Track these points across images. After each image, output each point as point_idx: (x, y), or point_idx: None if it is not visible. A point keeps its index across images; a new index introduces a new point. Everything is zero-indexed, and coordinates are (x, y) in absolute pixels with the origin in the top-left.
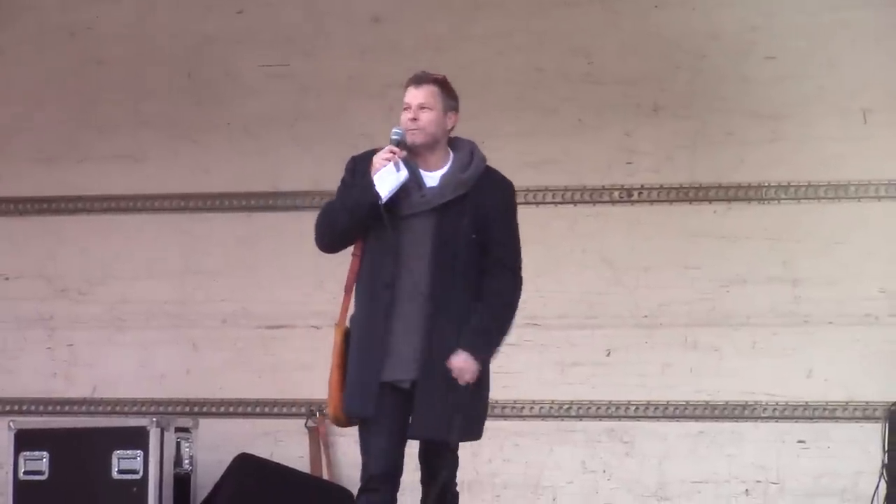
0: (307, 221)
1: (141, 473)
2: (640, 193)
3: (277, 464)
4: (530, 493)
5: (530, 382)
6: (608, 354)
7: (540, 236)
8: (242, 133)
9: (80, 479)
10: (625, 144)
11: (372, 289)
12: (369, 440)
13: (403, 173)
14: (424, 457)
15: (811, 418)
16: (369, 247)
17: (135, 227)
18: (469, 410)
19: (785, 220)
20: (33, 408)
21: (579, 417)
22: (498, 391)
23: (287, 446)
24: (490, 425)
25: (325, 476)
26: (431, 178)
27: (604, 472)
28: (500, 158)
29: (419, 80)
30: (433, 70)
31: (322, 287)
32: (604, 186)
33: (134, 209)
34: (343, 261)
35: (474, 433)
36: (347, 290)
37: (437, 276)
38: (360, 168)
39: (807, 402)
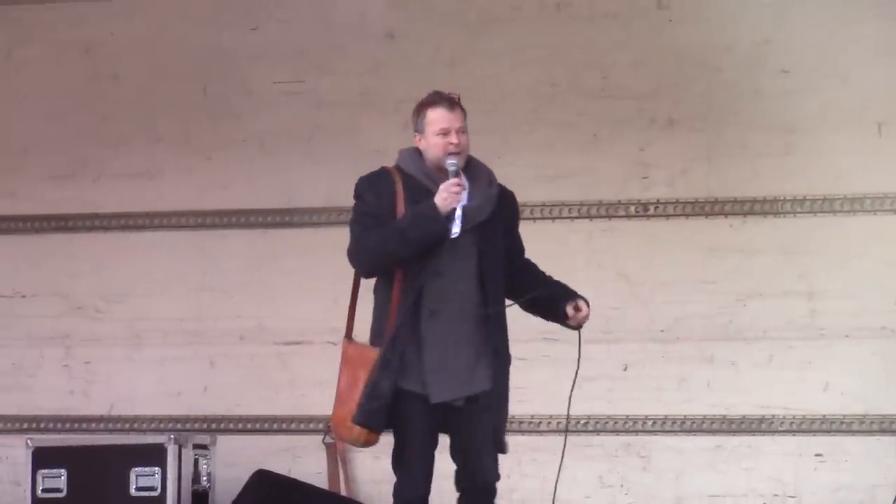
0: (322, 237)
1: (159, 490)
2: (655, 208)
3: (295, 480)
4: None
5: (547, 397)
6: (625, 369)
7: (556, 251)
8: (257, 149)
9: (98, 496)
10: (640, 159)
11: (409, 309)
12: (412, 461)
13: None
14: (465, 465)
15: (828, 432)
16: (410, 269)
17: (151, 245)
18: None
19: (800, 234)
20: (51, 425)
21: (596, 432)
22: (515, 406)
23: (305, 462)
24: (508, 440)
25: (343, 492)
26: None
27: (621, 486)
28: (515, 173)
29: (452, 102)
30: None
31: (338, 303)
32: (619, 201)
33: (150, 226)
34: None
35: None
36: (353, 307)
37: (484, 292)
38: (384, 191)
39: (824, 416)
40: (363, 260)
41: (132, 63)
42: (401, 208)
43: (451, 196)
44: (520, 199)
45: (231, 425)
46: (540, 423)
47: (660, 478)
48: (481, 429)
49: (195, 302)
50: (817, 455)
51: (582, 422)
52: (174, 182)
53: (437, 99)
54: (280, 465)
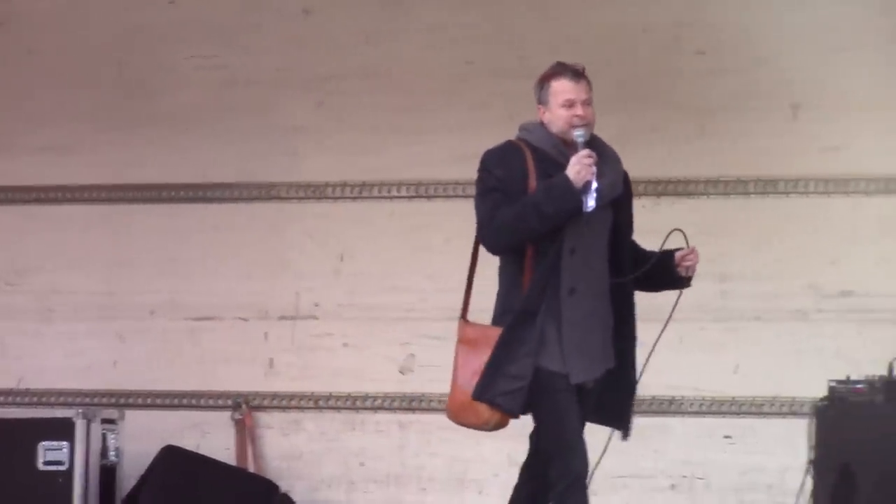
0: (236, 213)
1: (67, 465)
2: None
3: (203, 456)
4: (456, 487)
5: None
6: None
7: (469, 230)
8: (172, 125)
9: (5, 470)
10: None
11: (557, 289)
12: (575, 438)
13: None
14: (535, 458)
15: (738, 413)
16: (544, 247)
17: (63, 219)
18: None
19: (713, 216)
20: None
21: None
22: (425, 384)
23: (213, 438)
24: (417, 419)
25: (251, 468)
26: None
27: None
28: (430, 151)
29: (577, 73)
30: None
31: (250, 279)
32: None
33: (63, 200)
34: (272, 253)
35: None
36: (470, 285)
37: (617, 270)
38: (515, 165)
39: (733, 398)
40: (497, 237)
41: (47, 38)
42: (532, 183)
43: (584, 168)
44: (434, 177)
45: (140, 400)
46: None
47: None
48: (622, 404)
49: (107, 276)
50: (726, 437)
51: None
52: (88, 157)
53: (562, 70)
54: (189, 441)
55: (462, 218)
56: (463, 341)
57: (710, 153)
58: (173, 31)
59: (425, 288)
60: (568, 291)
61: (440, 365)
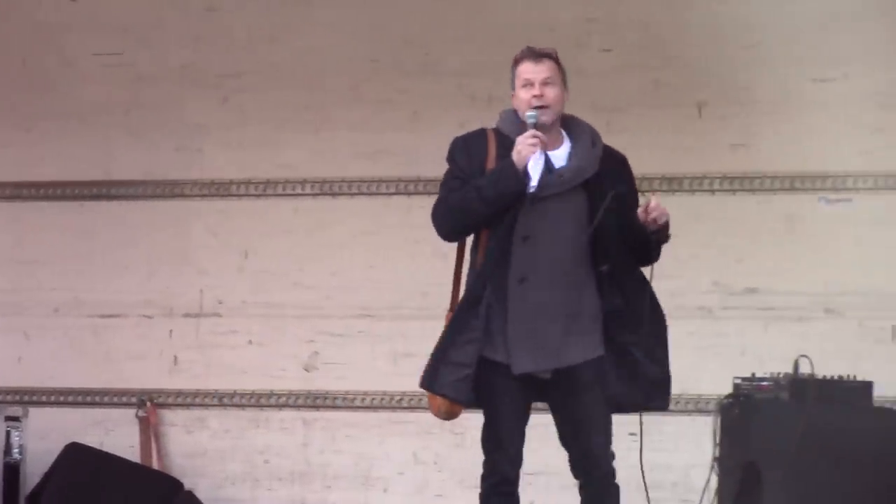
0: (140, 210)
1: None
2: None
3: (108, 453)
4: (361, 484)
5: (362, 373)
6: None
7: (373, 227)
8: (76, 122)
9: None
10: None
11: (496, 277)
12: (503, 438)
13: (541, 158)
14: (578, 449)
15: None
16: (493, 232)
17: None
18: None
19: None
20: None
21: (411, 409)
22: (329, 381)
23: (117, 436)
24: (321, 416)
25: (156, 466)
26: (557, 158)
27: (435, 463)
28: (334, 148)
29: (537, 55)
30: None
31: (154, 277)
32: (438, 178)
33: None
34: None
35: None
36: (458, 277)
37: (577, 257)
38: (475, 151)
39: None
40: (442, 222)
41: None
42: (490, 169)
43: (525, 149)
44: (337, 174)
45: (44, 397)
46: (354, 399)
47: (474, 455)
48: (586, 408)
49: (10, 273)
50: (631, 434)
51: (396, 398)
52: None
53: (525, 53)
54: (93, 438)
55: (366, 215)
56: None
57: None
58: (77, 27)
59: (330, 285)
60: (517, 280)
61: (344, 362)
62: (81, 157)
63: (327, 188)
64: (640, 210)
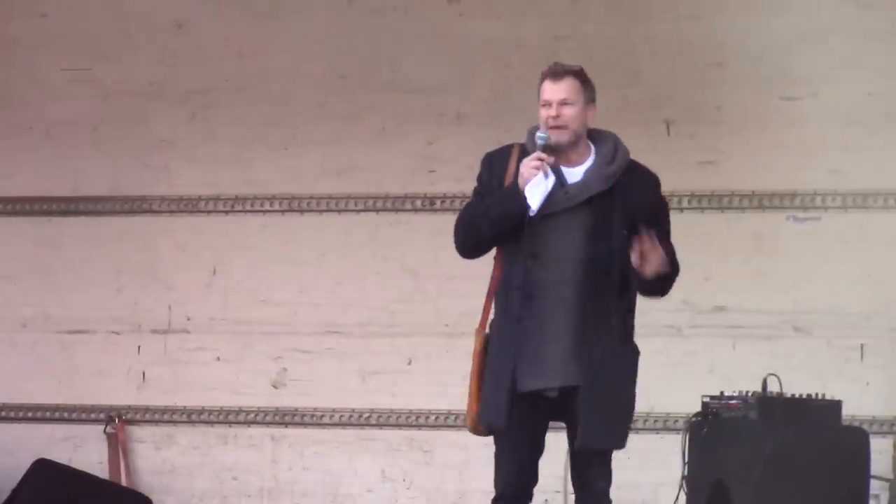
0: (107, 226)
1: None
2: (442, 202)
3: (76, 469)
4: (329, 502)
5: (331, 390)
6: (409, 363)
7: (341, 244)
8: (44, 137)
9: None
10: (427, 153)
11: (510, 295)
12: (506, 454)
13: (551, 179)
14: (577, 469)
15: None
16: (507, 250)
17: None
18: (628, 415)
19: None
20: None
21: (380, 426)
22: (297, 398)
23: (86, 452)
24: (289, 433)
25: (124, 482)
26: (574, 174)
27: (403, 480)
28: (302, 165)
29: (557, 73)
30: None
31: (122, 293)
32: (406, 195)
33: None
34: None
35: (623, 440)
36: (489, 296)
37: (590, 276)
38: (496, 167)
39: None
40: (455, 236)
41: None
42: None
43: (526, 171)
44: (305, 191)
45: (12, 413)
46: (323, 416)
47: (443, 473)
48: (585, 427)
49: None
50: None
51: (365, 415)
52: None
53: (547, 71)
54: (61, 455)
55: (334, 232)
56: (474, 352)
57: None
58: (45, 43)
59: (298, 302)
60: (525, 297)
61: (312, 379)
62: (49, 172)
63: (295, 205)
64: (633, 257)
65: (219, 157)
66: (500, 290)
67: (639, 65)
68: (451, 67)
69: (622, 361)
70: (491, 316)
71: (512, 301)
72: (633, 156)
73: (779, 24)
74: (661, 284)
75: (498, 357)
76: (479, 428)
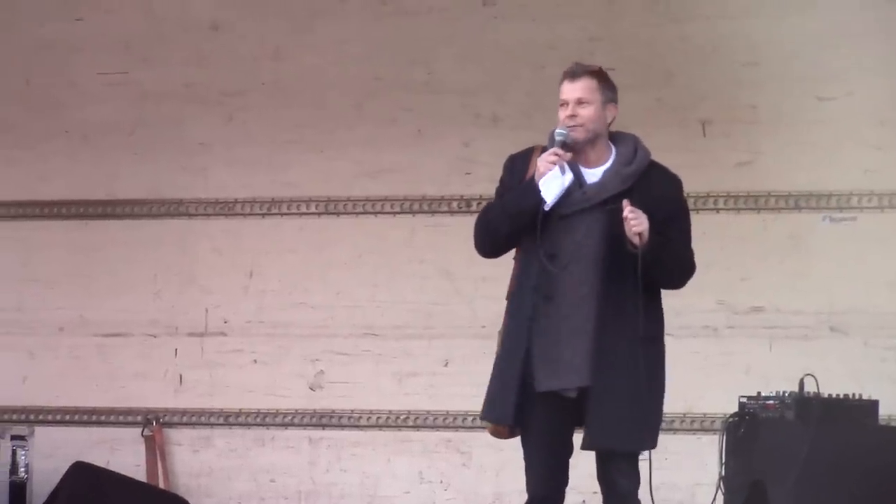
0: (144, 229)
1: None
2: (478, 204)
3: (113, 472)
4: (367, 503)
5: (368, 392)
6: (446, 365)
7: (378, 246)
8: (80, 141)
9: None
10: (463, 155)
11: (525, 294)
12: (532, 456)
13: (569, 176)
14: (601, 468)
15: None
16: (524, 249)
17: None
18: (646, 416)
19: None
20: None
21: (417, 428)
22: (335, 400)
23: (123, 455)
24: (327, 435)
25: (161, 485)
26: (592, 175)
27: (441, 482)
28: (338, 167)
29: (574, 73)
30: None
31: (159, 296)
32: (443, 197)
33: None
34: (181, 270)
35: (651, 442)
36: (510, 297)
37: (607, 276)
38: (518, 167)
39: None
40: (475, 235)
41: None
42: None
43: (542, 165)
44: (341, 193)
45: (50, 416)
46: (360, 417)
47: (480, 474)
48: (590, 428)
49: (15, 293)
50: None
51: (402, 417)
52: None
53: (566, 71)
54: (98, 457)
55: (371, 234)
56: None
57: None
58: (81, 46)
59: (334, 304)
60: (543, 298)
61: (349, 381)
62: (86, 175)
63: (332, 207)
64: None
65: (255, 159)
66: (516, 290)
67: (674, 65)
68: (487, 69)
69: (641, 362)
70: None
71: (525, 301)
72: (670, 156)
73: (813, 24)
74: (660, 269)
75: (505, 355)
76: (500, 429)
